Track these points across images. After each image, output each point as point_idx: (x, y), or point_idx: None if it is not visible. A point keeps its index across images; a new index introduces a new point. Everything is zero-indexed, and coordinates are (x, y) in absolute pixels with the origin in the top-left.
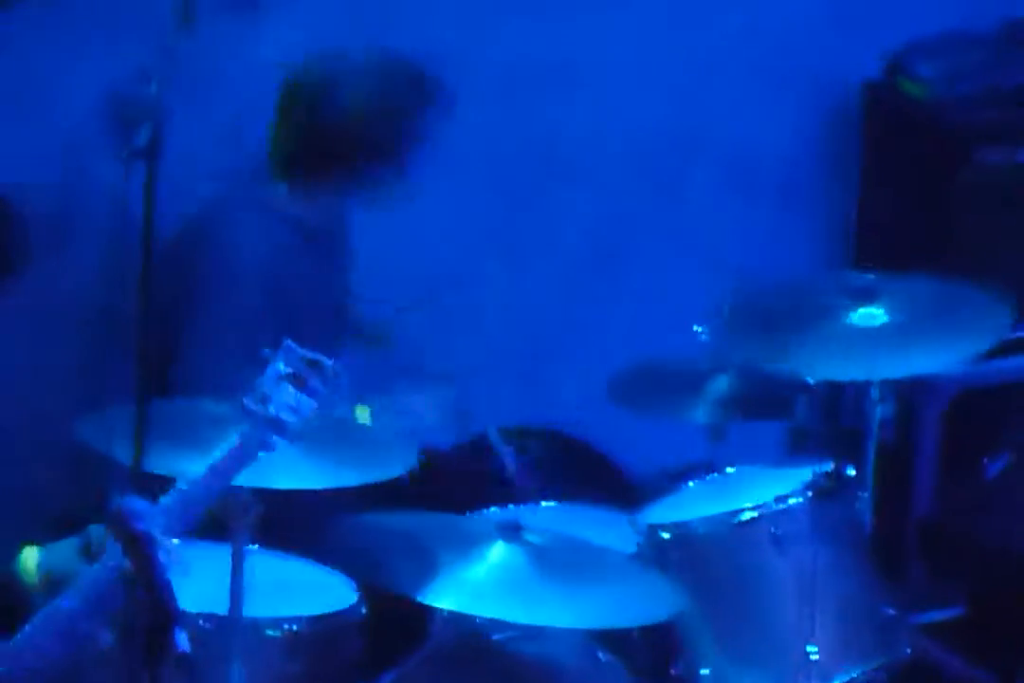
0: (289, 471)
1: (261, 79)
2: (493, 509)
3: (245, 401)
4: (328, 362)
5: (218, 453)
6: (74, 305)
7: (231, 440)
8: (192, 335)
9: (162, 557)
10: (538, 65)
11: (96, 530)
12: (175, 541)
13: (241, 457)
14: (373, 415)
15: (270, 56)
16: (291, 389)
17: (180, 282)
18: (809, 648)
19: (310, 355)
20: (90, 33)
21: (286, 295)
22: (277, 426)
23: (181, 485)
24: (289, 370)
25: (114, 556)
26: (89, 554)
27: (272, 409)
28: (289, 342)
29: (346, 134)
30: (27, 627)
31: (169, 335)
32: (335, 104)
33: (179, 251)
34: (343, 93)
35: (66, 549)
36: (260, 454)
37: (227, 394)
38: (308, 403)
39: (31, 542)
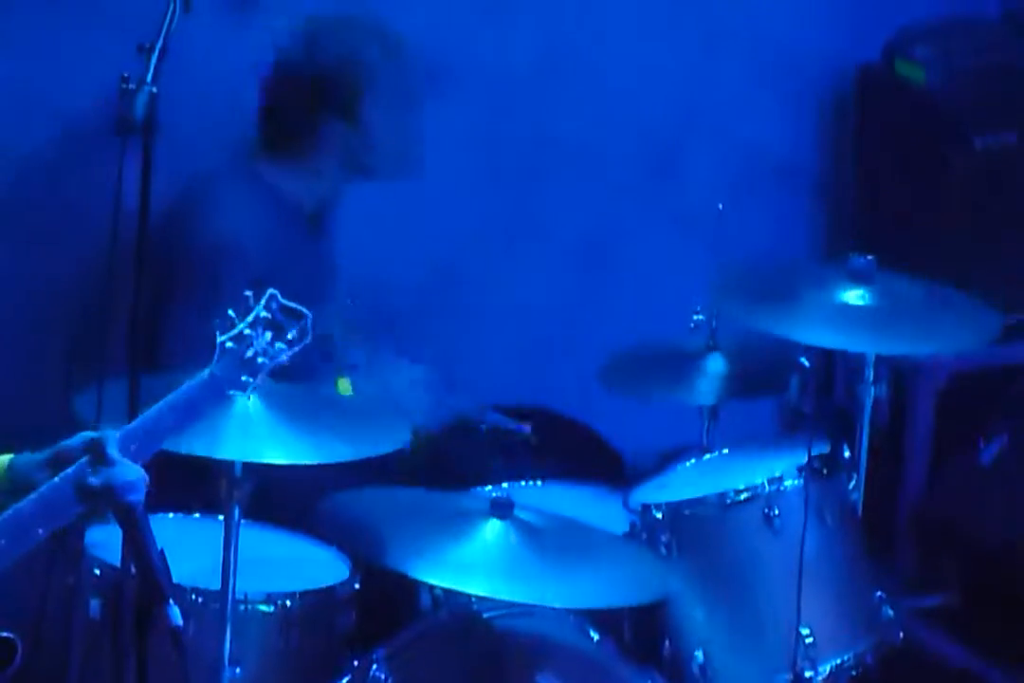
0: (282, 446)
1: (256, 60)
2: (487, 487)
3: (221, 339)
4: (307, 313)
5: (186, 386)
6: (70, 280)
7: (200, 375)
8: (181, 308)
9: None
10: (535, 52)
11: (64, 447)
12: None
13: (212, 393)
14: (354, 388)
15: (266, 38)
16: (268, 335)
17: (171, 255)
18: (802, 630)
19: (291, 305)
20: (91, 12)
21: (274, 271)
22: (251, 367)
23: (145, 415)
24: (268, 316)
25: (78, 469)
26: (55, 468)
27: (249, 351)
28: (273, 290)
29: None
30: None
31: (159, 308)
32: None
33: (171, 224)
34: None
35: (33, 460)
36: (231, 393)
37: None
38: (283, 350)
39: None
